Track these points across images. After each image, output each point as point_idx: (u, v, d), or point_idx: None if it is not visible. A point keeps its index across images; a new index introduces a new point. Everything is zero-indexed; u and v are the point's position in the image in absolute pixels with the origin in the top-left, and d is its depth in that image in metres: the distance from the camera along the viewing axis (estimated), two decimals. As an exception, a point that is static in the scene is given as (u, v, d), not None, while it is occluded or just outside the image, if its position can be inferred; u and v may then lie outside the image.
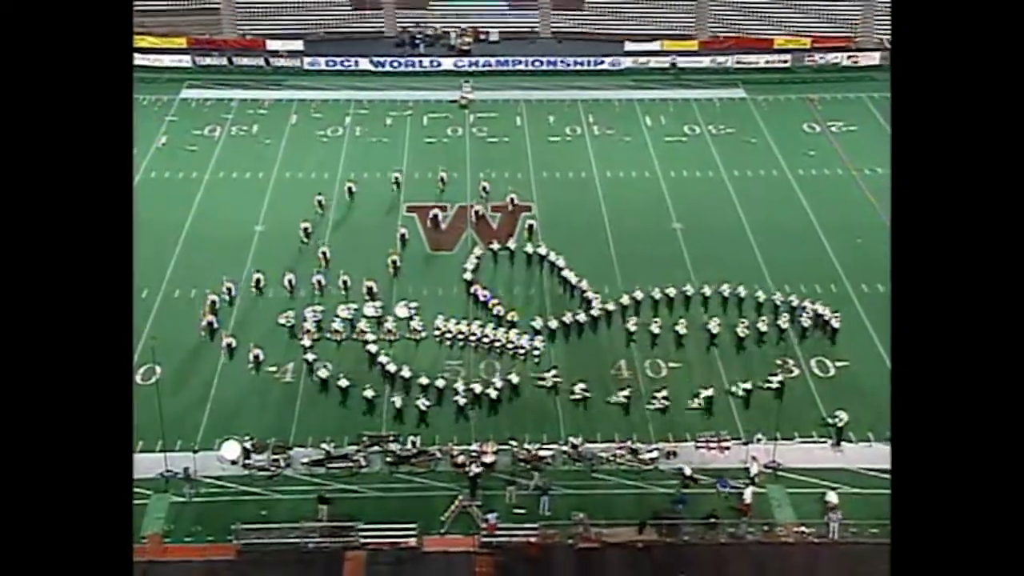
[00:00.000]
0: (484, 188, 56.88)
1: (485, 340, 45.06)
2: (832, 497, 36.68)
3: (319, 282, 48.36)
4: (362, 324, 45.79)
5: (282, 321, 46.03)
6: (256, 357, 43.47)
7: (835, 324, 45.58)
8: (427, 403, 40.89)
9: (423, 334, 45.66)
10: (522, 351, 44.63)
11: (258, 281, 48.43)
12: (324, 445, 38.97)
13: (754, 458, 38.61)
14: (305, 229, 52.61)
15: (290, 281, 48.44)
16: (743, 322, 45.67)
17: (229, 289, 47.75)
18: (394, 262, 50.15)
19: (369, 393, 41.20)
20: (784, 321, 45.85)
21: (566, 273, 49.19)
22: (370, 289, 47.80)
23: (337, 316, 45.95)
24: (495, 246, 51.80)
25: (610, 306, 46.74)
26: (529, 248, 51.46)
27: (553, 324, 46.02)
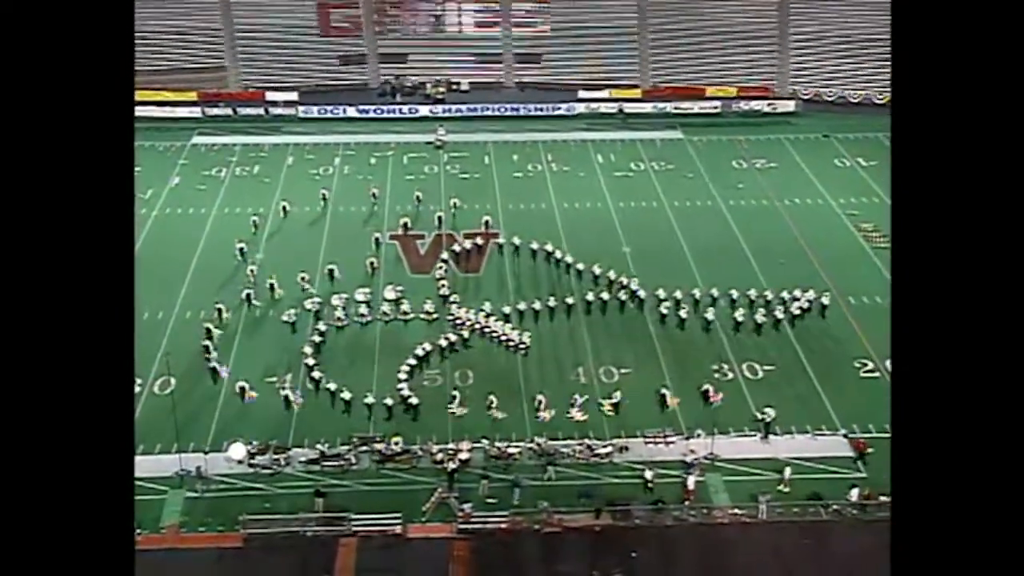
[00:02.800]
0: (455, 210, 57.59)
1: (487, 329, 45.82)
2: (787, 472, 37.24)
3: (272, 285, 48.83)
4: (385, 307, 47.55)
5: (284, 318, 46.10)
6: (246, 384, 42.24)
7: (824, 300, 47.79)
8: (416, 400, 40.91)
9: (432, 314, 46.97)
10: (512, 343, 44.84)
11: (249, 296, 48.38)
12: (319, 446, 38.62)
13: (693, 451, 38.67)
14: (241, 249, 52.78)
15: (269, 286, 48.72)
16: (681, 315, 46.69)
17: (221, 310, 47.32)
18: (372, 263, 51.42)
19: (369, 400, 40.85)
20: (715, 321, 46.68)
21: (553, 251, 52.04)
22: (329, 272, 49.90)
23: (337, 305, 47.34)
24: (467, 244, 53.54)
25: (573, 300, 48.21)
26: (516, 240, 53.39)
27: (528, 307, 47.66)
